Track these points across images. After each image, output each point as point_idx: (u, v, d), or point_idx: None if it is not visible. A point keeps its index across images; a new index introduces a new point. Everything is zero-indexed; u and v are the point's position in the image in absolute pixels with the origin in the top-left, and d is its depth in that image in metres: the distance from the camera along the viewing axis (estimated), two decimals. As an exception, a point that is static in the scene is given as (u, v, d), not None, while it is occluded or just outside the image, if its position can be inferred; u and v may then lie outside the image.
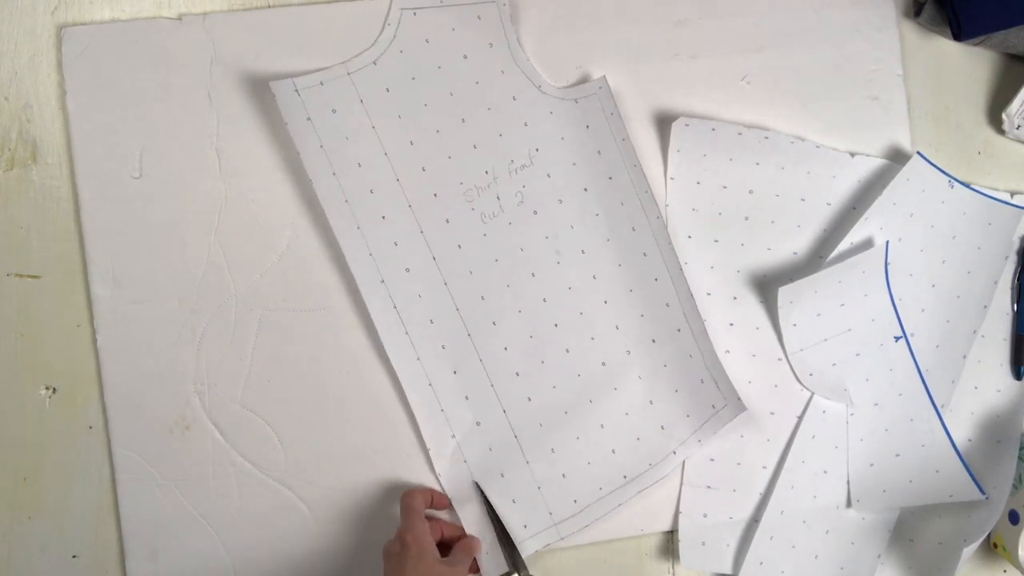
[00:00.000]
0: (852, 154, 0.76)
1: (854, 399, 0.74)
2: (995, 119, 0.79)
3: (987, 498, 0.72)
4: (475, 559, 0.69)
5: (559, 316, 0.73)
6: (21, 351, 0.72)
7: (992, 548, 0.75)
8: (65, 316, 0.72)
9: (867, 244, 0.74)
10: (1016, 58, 0.79)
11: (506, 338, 0.72)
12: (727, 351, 0.74)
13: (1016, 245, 0.77)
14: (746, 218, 0.76)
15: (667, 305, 0.72)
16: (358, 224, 0.70)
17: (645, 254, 0.72)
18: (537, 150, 0.73)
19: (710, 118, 0.76)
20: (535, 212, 0.73)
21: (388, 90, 0.71)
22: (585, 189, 0.73)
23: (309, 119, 0.69)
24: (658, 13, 0.77)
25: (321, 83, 0.70)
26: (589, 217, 0.73)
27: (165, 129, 0.73)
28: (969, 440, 0.76)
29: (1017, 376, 0.77)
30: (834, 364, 0.75)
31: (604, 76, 0.73)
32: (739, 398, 0.71)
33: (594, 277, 0.73)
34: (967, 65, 0.80)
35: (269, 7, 0.74)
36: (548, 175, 0.73)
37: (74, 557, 0.71)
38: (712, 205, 0.76)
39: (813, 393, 0.75)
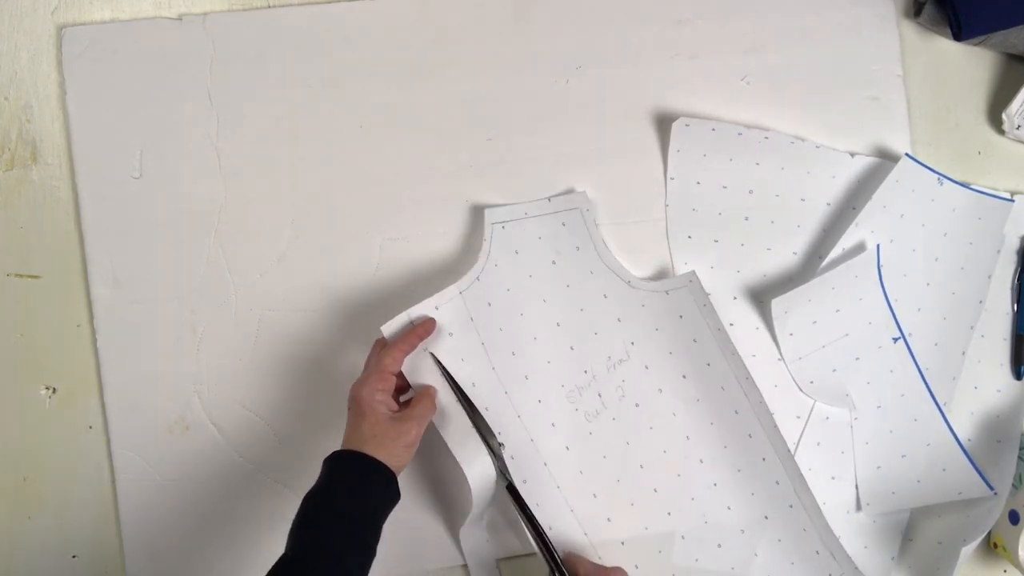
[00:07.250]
0: (852, 154, 0.76)
1: (856, 403, 0.74)
2: (995, 119, 0.79)
3: (995, 493, 0.72)
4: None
5: (670, 504, 0.73)
6: (21, 351, 0.72)
7: (992, 548, 0.75)
8: (65, 316, 0.72)
9: (859, 248, 0.74)
10: (1016, 58, 0.79)
11: (620, 533, 0.72)
12: (727, 351, 0.74)
13: (1016, 245, 0.77)
14: (746, 218, 0.76)
15: (777, 483, 0.71)
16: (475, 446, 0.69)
17: (750, 435, 0.72)
18: (633, 343, 0.73)
19: (710, 118, 0.76)
20: (637, 405, 0.73)
21: (490, 304, 0.72)
22: (684, 376, 0.73)
23: (427, 350, 0.69)
24: (658, 13, 0.77)
25: (436, 307, 0.70)
26: (691, 403, 0.73)
27: (165, 129, 0.73)
28: (969, 440, 0.76)
29: (1017, 376, 0.77)
30: (834, 370, 0.75)
31: (694, 271, 0.73)
32: (856, 568, 0.70)
33: (701, 461, 0.73)
34: (967, 65, 0.80)
35: (269, 7, 0.74)
36: (646, 367, 0.73)
37: (74, 557, 0.71)
38: (712, 205, 0.76)
39: (815, 401, 0.75)
